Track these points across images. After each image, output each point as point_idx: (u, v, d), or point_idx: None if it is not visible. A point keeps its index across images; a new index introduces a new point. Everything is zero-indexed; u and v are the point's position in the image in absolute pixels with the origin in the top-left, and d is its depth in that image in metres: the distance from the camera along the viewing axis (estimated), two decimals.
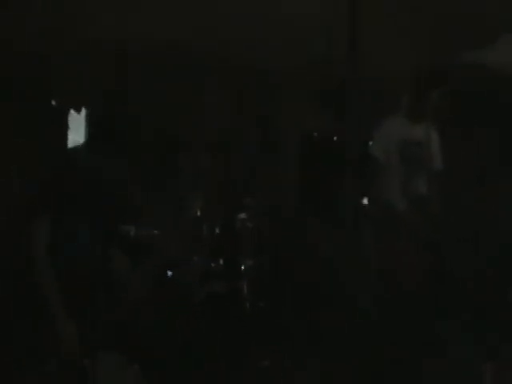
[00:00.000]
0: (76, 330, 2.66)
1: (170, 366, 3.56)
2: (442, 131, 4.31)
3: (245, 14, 4.37)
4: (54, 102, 5.13)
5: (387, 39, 4.65)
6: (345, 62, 4.29)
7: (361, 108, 4.37)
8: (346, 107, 4.23)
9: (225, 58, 5.00)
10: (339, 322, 3.87)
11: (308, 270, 4.45)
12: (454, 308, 3.91)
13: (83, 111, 5.30)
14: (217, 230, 4.61)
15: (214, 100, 5.09)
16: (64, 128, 5.21)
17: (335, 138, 4.53)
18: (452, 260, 4.10)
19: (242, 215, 4.63)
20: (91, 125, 2.86)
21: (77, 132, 6.60)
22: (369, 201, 4.54)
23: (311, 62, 4.99)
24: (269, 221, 4.75)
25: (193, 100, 4.84)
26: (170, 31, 4.43)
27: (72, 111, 5.24)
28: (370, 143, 4.46)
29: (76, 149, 2.92)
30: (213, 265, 4.47)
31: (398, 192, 4.17)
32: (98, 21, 4.34)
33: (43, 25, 4.43)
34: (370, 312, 3.94)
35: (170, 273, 4.46)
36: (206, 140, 5.00)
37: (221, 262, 4.49)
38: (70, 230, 2.72)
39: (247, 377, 3.90)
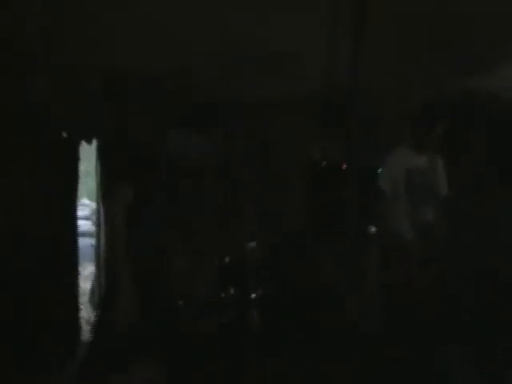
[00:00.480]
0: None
1: None
2: (446, 160, 4.40)
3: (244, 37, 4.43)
4: None
5: (389, 68, 4.72)
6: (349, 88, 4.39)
7: (363, 135, 4.47)
8: (349, 134, 4.33)
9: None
10: (345, 348, 3.94)
11: (317, 296, 4.51)
12: (458, 336, 3.99)
13: None
14: (226, 260, 4.68)
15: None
16: None
17: (344, 167, 4.59)
18: (457, 287, 4.17)
19: (251, 244, 4.71)
20: None
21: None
22: (376, 229, 4.62)
23: (312, 90, 5.06)
24: (277, 249, 4.81)
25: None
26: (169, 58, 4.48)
27: None
28: (378, 172, 4.54)
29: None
30: (223, 295, 4.53)
31: (405, 221, 4.24)
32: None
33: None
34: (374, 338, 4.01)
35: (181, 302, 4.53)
36: (212, 167, 5.07)
37: (231, 291, 4.56)
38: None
39: None
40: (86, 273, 5.49)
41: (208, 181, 4.75)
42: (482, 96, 4.99)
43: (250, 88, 4.99)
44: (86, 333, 5.03)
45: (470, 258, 4.46)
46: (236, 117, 5.23)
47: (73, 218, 5.26)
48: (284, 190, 5.42)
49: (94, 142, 5.44)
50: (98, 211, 5.81)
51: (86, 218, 6.81)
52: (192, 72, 4.72)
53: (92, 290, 5.79)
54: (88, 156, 6.32)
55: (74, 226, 5.25)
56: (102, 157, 5.54)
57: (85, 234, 4.56)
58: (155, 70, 4.77)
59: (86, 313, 5.24)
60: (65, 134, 5.15)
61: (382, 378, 3.88)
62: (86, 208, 7.51)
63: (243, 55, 4.52)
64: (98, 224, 5.75)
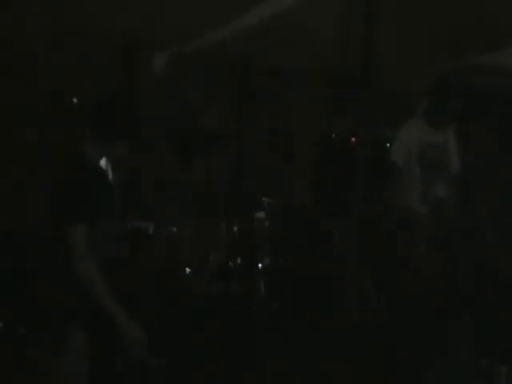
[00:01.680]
0: (140, 331, 2.64)
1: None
2: (459, 135, 4.37)
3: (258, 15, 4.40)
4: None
5: (402, 43, 4.68)
6: (361, 62, 4.36)
7: (375, 110, 4.45)
8: (360, 108, 4.30)
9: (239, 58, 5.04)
10: (350, 319, 3.94)
11: (324, 269, 4.51)
12: (465, 309, 3.97)
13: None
14: (234, 229, 4.67)
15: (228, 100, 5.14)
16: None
17: (354, 141, 4.57)
18: (467, 262, 4.15)
19: (260, 214, 4.70)
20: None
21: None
22: (387, 202, 4.60)
23: (326, 64, 5.02)
24: (284, 220, 4.80)
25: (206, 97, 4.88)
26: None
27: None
28: (389, 146, 4.51)
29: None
30: (230, 263, 4.53)
31: (417, 195, 4.22)
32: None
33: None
34: (381, 310, 4.02)
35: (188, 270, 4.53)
36: (221, 140, 5.04)
37: (238, 260, 4.56)
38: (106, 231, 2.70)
39: (257, 373, 3.94)
40: None
41: (219, 151, 4.72)
42: (497, 72, 4.95)
43: (263, 60, 4.96)
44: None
45: (481, 235, 4.43)
46: (248, 89, 5.19)
47: None
48: (294, 162, 5.39)
49: None
50: None
51: None
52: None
53: None
54: None
55: None
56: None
57: None
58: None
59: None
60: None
61: (393, 352, 3.87)
62: None
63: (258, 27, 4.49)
64: None
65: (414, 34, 4.72)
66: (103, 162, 2.90)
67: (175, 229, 4.63)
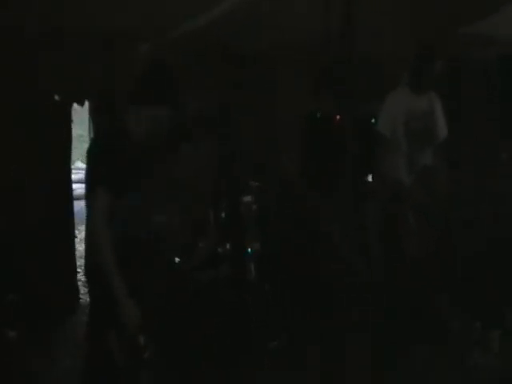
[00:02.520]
0: (136, 308, 2.67)
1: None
2: (444, 102, 4.28)
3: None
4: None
5: (384, 13, 4.59)
6: (342, 38, 4.28)
7: (360, 84, 4.36)
8: (345, 84, 4.21)
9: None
10: (341, 301, 3.85)
11: (313, 250, 4.41)
12: (455, 280, 3.89)
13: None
14: (222, 214, 4.58)
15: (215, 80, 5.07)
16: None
17: (338, 117, 4.48)
18: (456, 233, 4.06)
19: (247, 198, 4.61)
20: None
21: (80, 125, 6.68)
22: (374, 177, 4.51)
23: (307, 41, 4.94)
24: (273, 202, 4.71)
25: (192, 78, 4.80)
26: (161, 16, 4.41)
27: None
28: (374, 120, 4.43)
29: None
30: (219, 249, 4.44)
31: (405, 166, 4.14)
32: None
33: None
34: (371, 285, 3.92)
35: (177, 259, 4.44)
36: (207, 123, 4.97)
37: (227, 245, 4.46)
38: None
39: (255, 358, 3.87)
40: (82, 236, 5.40)
41: (204, 132, 4.64)
42: (478, 40, 4.87)
43: (248, 40, 4.88)
44: (83, 295, 4.98)
45: (469, 205, 4.32)
46: (234, 68, 5.11)
47: (67, 181, 5.21)
48: (280, 142, 5.31)
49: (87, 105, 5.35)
50: None
51: (81, 182, 6.73)
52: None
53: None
54: (81, 119, 6.27)
55: (69, 190, 5.19)
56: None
57: (79, 198, 4.47)
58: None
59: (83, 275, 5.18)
60: (57, 97, 5.08)
61: (381, 326, 3.80)
62: (80, 172, 7.38)
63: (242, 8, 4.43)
64: None
65: (397, 4, 4.65)
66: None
67: (162, 216, 4.55)
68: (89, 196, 2.79)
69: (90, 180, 2.82)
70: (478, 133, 4.94)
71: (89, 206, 2.80)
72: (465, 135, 4.81)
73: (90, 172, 2.85)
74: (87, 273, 3.03)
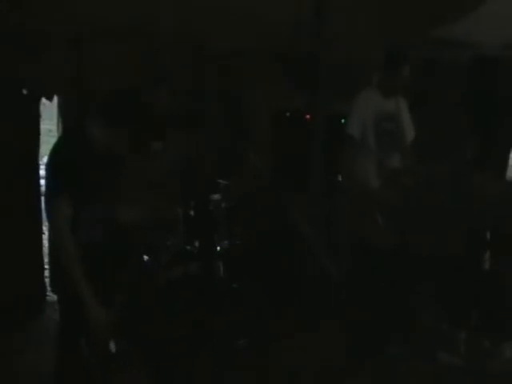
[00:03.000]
0: (105, 314, 2.69)
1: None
2: (412, 105, 4.33)
3: None
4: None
5: (355, 14, 4.63)
6: (312, 37, 4.32)
7: (329, 84, 4.39)
8: (313, 83, 4.24)
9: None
10: (314, 296, 3.90)
11: (283, 247, 4.45)
12: (424, 280, 3.94)
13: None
14: (191, 212, 4.58)
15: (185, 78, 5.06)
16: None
17: (308, 117, 4.51)
18: (421, 235, 4.11)
19: (216, 196, 4.62)
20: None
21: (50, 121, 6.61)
22: (343, 177, 4.54)
23: (278, 39, 4.96)
24: (242, 201, 4.73)
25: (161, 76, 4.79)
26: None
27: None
28: (343, 121, 4.45)
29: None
30: (188, 247, 4.44)
31: (373, 168, 4.17)
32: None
33: None
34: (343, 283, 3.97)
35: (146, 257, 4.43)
36: (177, 121, 4.96)
37: (196, 243, 4.47)
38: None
39: (223, 357, 3.89)
40: None
41: (172, 131, 4.63)
42: (446, 43, 4.93)
43: (213, 38, 4.88)
44: (50, 292, 4.95)
45: (437, 206, 4.38)
46: (199, 67, 5.10)
47: (35, 177, 5.15)
48: (249, 141, 5.32)
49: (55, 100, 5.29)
50: None
51: None
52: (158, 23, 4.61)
53: None
54: (50, 114, 6.20)
55: (37, 186, 5.14)
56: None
57: None
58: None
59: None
60: (25, 91, 5.02)
61: (353, 324, 3.84)
62: None
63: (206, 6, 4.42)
64: None
65: (367, 6, 4.69)
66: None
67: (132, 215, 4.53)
68: (49, 206, 2.78)
69: (50, 190, 2.81)
70: (447, 134, 5.00)
71: (49, 216, 2.80)
72: (435, 137, 4.87)
73: (50, 182, 2.84)
74: (53, 283, 3.04)
